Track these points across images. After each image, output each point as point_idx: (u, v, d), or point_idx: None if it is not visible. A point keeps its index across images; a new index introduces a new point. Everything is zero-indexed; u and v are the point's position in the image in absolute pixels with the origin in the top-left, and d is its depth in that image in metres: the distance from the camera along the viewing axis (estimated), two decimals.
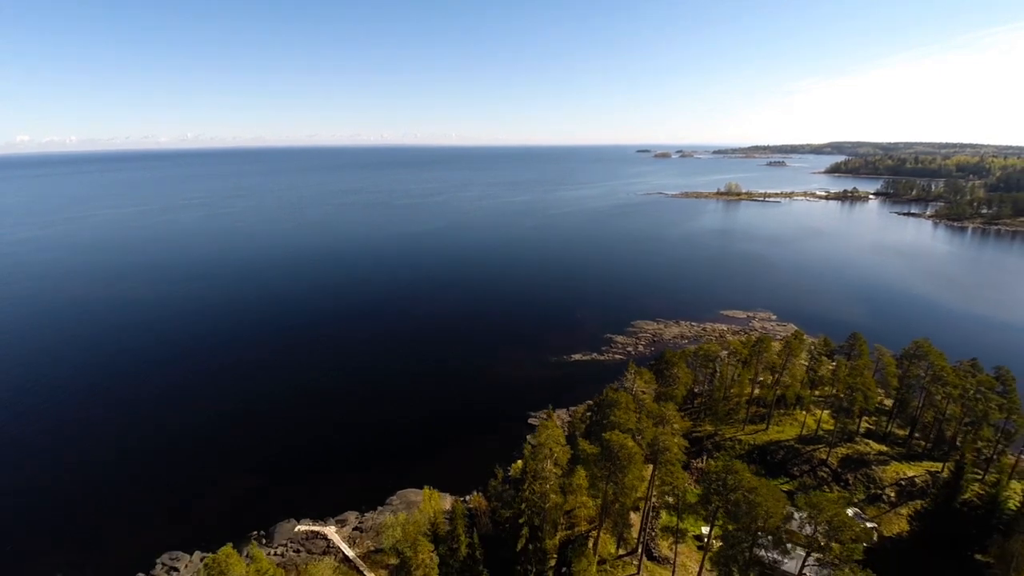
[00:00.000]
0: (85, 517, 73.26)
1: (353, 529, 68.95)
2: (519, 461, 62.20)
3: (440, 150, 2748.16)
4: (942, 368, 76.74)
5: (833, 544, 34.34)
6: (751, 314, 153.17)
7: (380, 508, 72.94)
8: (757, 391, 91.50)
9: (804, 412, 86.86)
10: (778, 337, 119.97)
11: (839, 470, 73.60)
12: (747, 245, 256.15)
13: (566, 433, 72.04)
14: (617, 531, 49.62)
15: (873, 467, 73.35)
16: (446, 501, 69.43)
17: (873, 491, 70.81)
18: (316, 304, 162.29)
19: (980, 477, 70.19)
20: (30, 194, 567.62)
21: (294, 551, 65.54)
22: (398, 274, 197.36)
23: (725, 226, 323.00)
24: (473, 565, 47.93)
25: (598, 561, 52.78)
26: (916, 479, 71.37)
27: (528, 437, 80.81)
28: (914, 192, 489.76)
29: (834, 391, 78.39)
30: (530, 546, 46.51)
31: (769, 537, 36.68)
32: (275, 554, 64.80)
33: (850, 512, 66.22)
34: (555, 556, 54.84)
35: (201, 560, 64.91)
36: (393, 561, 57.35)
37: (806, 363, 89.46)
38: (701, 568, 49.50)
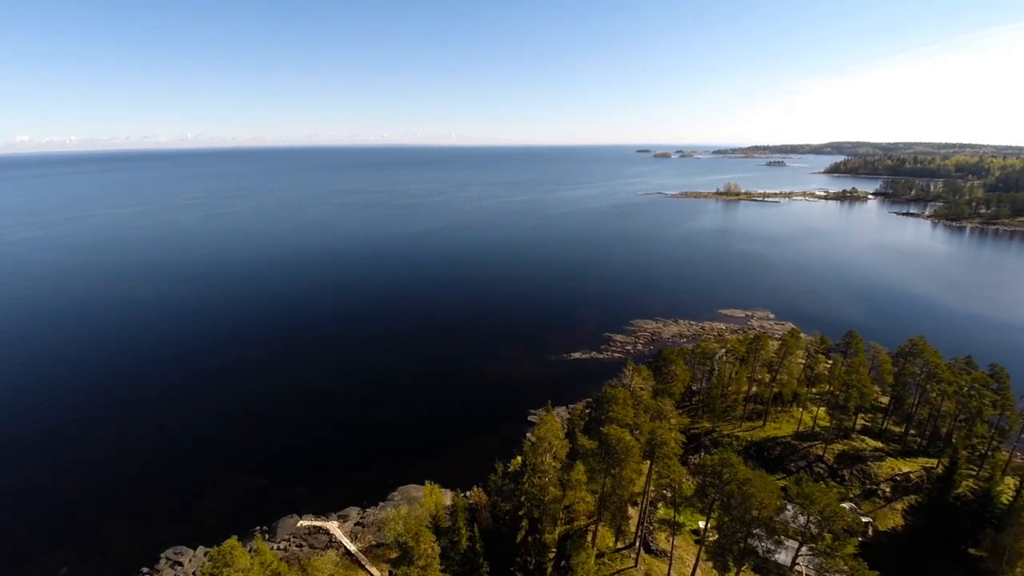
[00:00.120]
0: (86, 517, 73.65)
1: (355, 524, 69.83)
2: (519, 457, 63.02)
3: (440, 150, 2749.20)
4: (937, 365, 77.66)
5: (825, 534, 35.23)
6: (749, 313, 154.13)
7: (381, 504, 73.82)
8: (754, 389, 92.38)
9: (801, 409, 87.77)
10: (776, 336, 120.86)
11: (835, 466, 74.52)
12: (746, 245, 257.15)
13: (565, 430, 72.85)
14: (615, 523, 50.48)
15: (869, 463, 74.27)
16: (447, 496, 70.29)
17: (868, 486, 71.74)
18: (316, 304, 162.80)
19: (975, 473, 71.12)
20: (30, 194, 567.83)
21: (296, 545, 66.41)
22: (398, 274, 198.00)
23: (724, 226, 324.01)
24: (474, 557, 48.77)
25: (597, 554, 53.62)
26: (911, 475, 72.29)
27: (528, 434, 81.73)
28: (913, 192, 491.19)
29: (830, 388, 79.23)
30: (529, 538, 47.38)
31: (763, 528, 37.49)
32: (278, 548, 65.65)
33: (846, 507, 67.12)
34: (554, 550, 55.69)
35: (205, 555, 65.74)
36: (395, 555, 58.15)
37: (803, 361, 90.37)
38: (697, 560, 50.39)
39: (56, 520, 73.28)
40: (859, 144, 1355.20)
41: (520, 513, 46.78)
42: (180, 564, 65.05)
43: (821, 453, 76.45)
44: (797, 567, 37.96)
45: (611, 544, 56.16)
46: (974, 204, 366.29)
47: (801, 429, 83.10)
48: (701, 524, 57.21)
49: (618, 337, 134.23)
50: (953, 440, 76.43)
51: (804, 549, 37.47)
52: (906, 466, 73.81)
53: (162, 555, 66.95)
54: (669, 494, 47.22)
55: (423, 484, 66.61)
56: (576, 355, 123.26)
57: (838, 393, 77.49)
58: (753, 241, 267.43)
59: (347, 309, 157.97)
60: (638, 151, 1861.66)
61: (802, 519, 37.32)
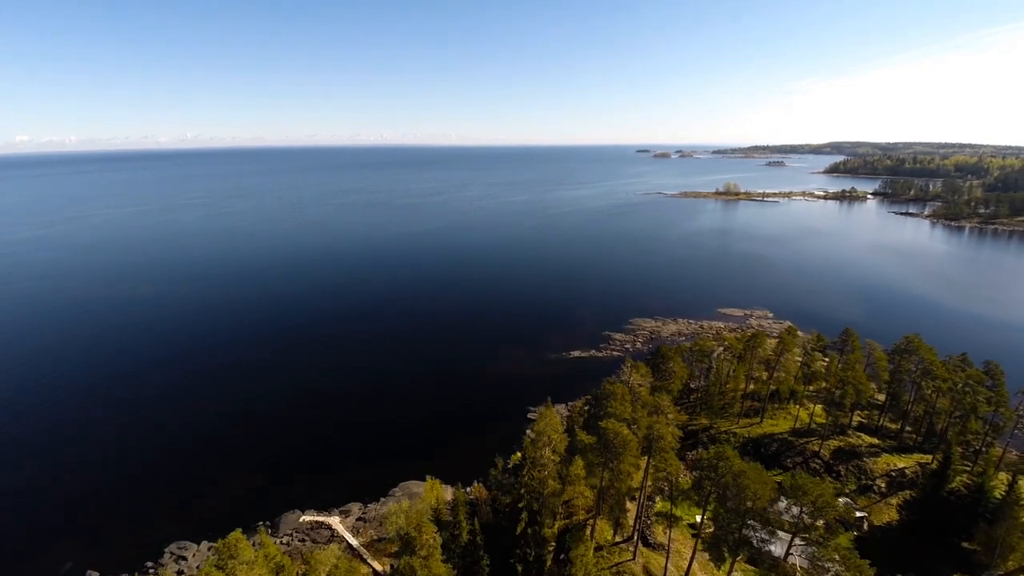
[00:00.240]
0: (88, 514, 74.12)
1: (357, 519, 70.63)
2: (519, 453, 63.85)
3: (440, 150, 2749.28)
4: (932, 363, 78.52)
5: (818, 524, 36.03)
6: (748, 312, 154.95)
7: (383, 499, 74.58)
8: (752, 386, 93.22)
9: (797, 406, 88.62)
10: (773, 334, 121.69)
11: (831, 462, 75.39)
12: (745, 244, 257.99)
13: (565, 427, 73.67)
14: (613, 516, 51.27)
15: (864, 459, 75.14)
16: (447, 492, 71.05)
17: (864, 482, 72.60)
18: (316, 304, 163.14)
19: (969, 469, 71.98)
20: (30, 194, 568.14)
21: (299, 540, 67.22)
22: (398, 274, 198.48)
23: (723, 226, 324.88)
24: (474, 550, 49.57)
25: (595, 547, 54.42)
26: (906, 470, 73.16)
27: (528, 430, 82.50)
28: (912, 192, 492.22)
29: (827, 386, 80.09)
30: (529, 530, 48.19)
31: (757, 518, 38.31)
32: (280, 543, 66.43)
33: (841, 502, 68.00)
34: (553, 543, 56.51)
35: (208, 549, 66.55)
36: (396, 549, 58.95)
37: (800, 359, 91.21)
38: (694, 553, 51.23)
39: (59, 518, 73.84)
40: (859, 144, 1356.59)
41: (520, 505, 47.59)
42: (184, 558, 65.85)
43: (817, 449, 77.32)
44: (791, 557, 38.72)
45: (609, 537, 56.98)
46: (973, 204, 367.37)
47: (798, 426, 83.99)
48: (698, 518, 58.06)
49: (617, 336, 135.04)
50: (947, 436, 77.26)
51: (797, 540, 38.25)
52: (901, 462, 74.67)
53: (166, 550, 67.76)
54: (666, 487, 47.98)
55: (424, 480, 67.46)
56: (576, 353, 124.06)
57: (834, 390, 78.33)
58: (752, 241, 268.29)
59: (347, 309, 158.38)
60: (638, 151, 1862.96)
61: (795, 510, 38.13)
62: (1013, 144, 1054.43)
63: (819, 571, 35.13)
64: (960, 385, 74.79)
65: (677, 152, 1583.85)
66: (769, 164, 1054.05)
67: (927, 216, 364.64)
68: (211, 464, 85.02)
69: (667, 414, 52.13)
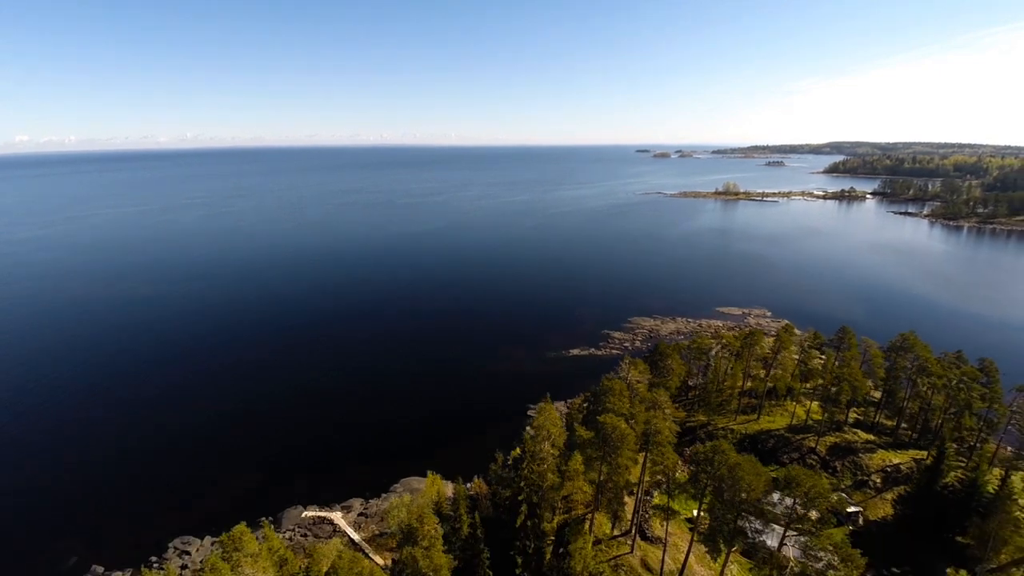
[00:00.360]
0: (90, 513, 74.54)
1: (358, 515, 71.46)
2: (518, 448, 64.65)
3: (440, 150, 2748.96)
4: (927, 360, 79.39)
5: (810, 514, 36.86)
6: (746, 311, 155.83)
7: (384, 495, 75.44)
8: (749, 384, 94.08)
9: (794, 403, 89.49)
10: (771, 333, 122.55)
11: (827, 458, 76.26)
12: (744, 244, 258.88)
13: (564, 424, 74.47)
14: (611, 509, 52.09)
15: (860, 455, 76.02)
16: (448, 488, 71.82)
17: (860, 477, 73.47)
18: (316, 304, 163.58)
19: (963, 465, 72.75)
20: (30, 194, 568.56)
21: (301, 535, 68.05)
22: (398, 274, 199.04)
23: (723, 225, 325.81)
24: (474, 543, 50.37)
25: (594, 541, 55.28)
26: (901, 466, 74.01)
27: (528, 427, 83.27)
28: (911, 192, 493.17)
29: (823, 383, 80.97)
30: (528, 523, 49.01)
31: (751, 508, 39.15)
32: (283, 538, 67.16)
33: (836, 497, 68.86)
34: (553, 538, 57.35)
35: (212, 544, 67.31)
36: (399, 541, 59.76)
37: (797, 356, 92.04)
38: (690, 545, 52.10)
39: (61, 515, 74.31)
40: (858, 144, 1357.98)
41: (520, 498, 48.42)
42: (187, 553, 66.64)
43: (814, 445, 78.20)
44: (784, 548, 39.47)
45: (608, 531, 57.84)
46: (971, 203, 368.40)
47: (794, 422, 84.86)
48: (695, 512, 58.90)
49: (616, 334, 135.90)
50: (941, 432, 78.11)
51: (790, 531, 39.07)
52: (896, 458, 75.53)
53: (169, 544, 68.54)
54: (663, 481, 48.85)
55: (424, 476, 68.17)
56: (575, 352, 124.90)
57: (830, 387, 79.20)
58: (751, 240, 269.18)
59: (347, 309, 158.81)
60: (637, 151, 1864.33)
61: (788, 502, 38.93)
62: (1012, 144, 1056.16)
63: (811, 561, 36.03)
64: (955, 382, 75.67)
65: (677, 152, 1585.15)
66: (768, 164, 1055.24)
67: (926, 216, 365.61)
68: (213, 462, 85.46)
69: (664, 409, 52.96)
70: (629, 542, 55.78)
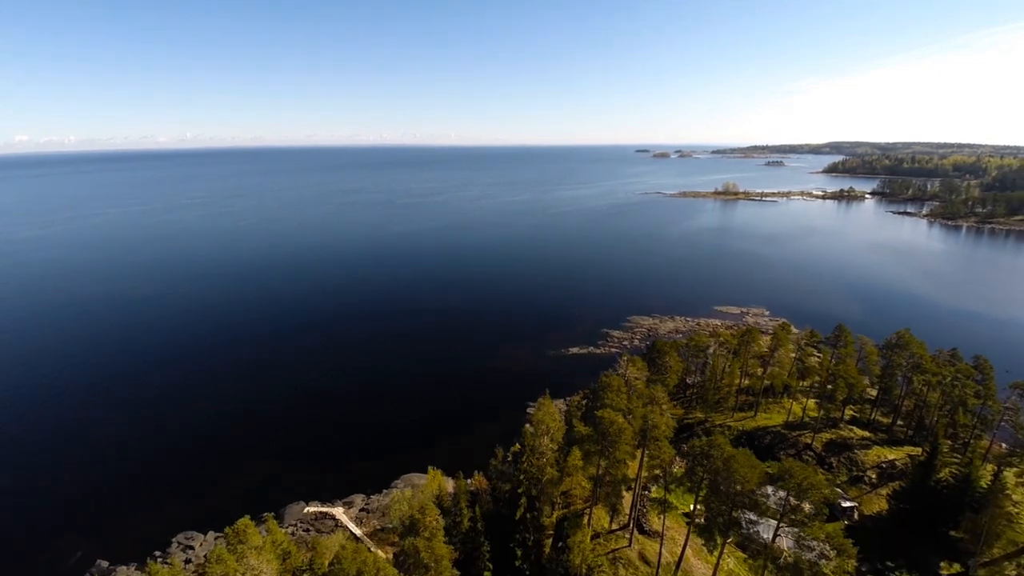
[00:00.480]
0: (91, 512, 74.96)
1: (360, 510, 72.34)
2: (518, 444, 65.56)
3: (440, 150, 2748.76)
4: (921, 357, 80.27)
5: (803, 505, 37.73)
6: (745, 310, 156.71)
7: (385, 491, 76.26)
8: (746, 381, 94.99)
9: (791, 400, 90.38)
10: (769, 331, 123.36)
11: (823, 454, 77.14)
12: (743, 244, 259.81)
13: (563, 420, 75.28)
14: (610, 503, 52.96)
15: (856, 451, 76.89)
16: (449, 484, 72.66)
17: (855, 473, 74.35)
18: (316, 304, 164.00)
19: (958, 460, 73.64)
20: (30, 194, 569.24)
21: (304, 530, 68.94)
22: (398, 274, 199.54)
23: (722, 225, 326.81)
24: (475, 536, 51.25)
25: (592, 535, 56.15)
26: (896, 462, 74.88)
27: (527, 425, 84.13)
28: (910, 191, 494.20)
29: (820, 380, 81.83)
30: (528, 515, 49.88)
31: (746, 499, 40.02)
32: (286, 532, 67.92)
33: (828, 490, 69.70)
34: (552, 532, 58.24)
35: (216, 539, 68.16)
36: (401, 533, 60.62)
37: (794, 354, 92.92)
38: (687, 538, 52.99)
39: (65, 513, 74.84)
40: (858, 144, 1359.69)
41: (519, 491, 49.29)
42: (191, 548, 67.50)
43: (810, 442, 79.07)
44: (778, 539, 40.29)
45: (606, 525, 58.70)
46: (970, 203, 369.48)
47: (791, 419, 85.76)
48: (692, 507, 59.76)
49: (615, 333, 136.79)
50: (935, 427, 78.97)
51: (784, 523, 39.90)
52: (892, 454, 76.42)
53: (173, 540, 69.39)
54: (660, 474, 49.71)
55: (425, 472, 69.03)
56: (574, 350, 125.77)
57: (826, 384, 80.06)
58: (750, 240, 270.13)
59: (347, 309, 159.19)
60: (637, 151, 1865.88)
61: (782, 495, 39.81)
62: (1012, 144, 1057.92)
63: (804, 551, 36.86)
64: (949, 379, 76.57)
65: (676, 152, 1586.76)
66: (768, 164, 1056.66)
67: (924, 215, 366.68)
68: (214, 461, 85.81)
69: (661, 404, 53.86)
70: (627, 536, 56.64)
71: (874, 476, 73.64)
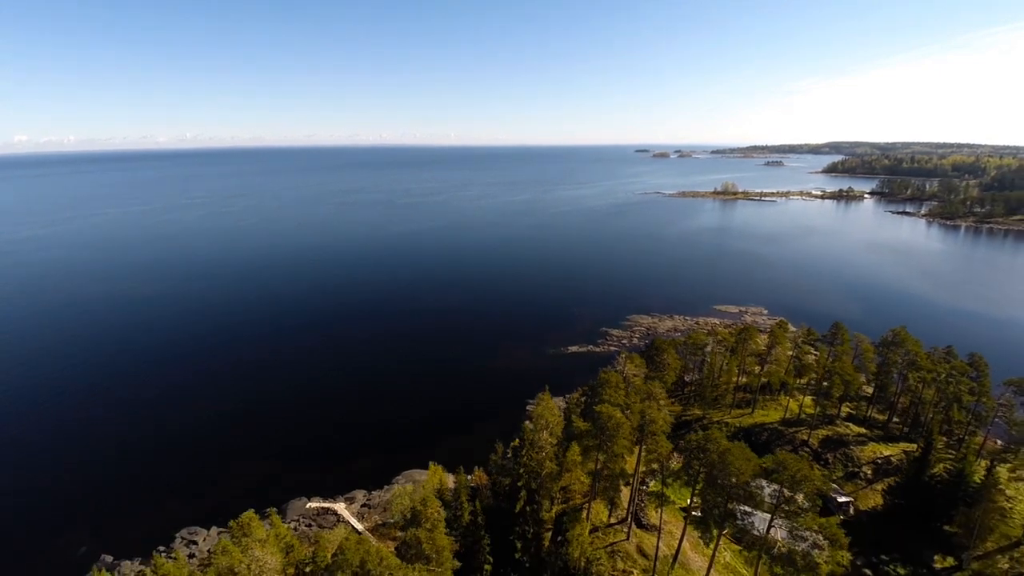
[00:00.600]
0: (94, 509, 75.50)
1: (362, 505, 73.13)
2: (517, 440, 66.35)
3: (439, 150, 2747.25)
4: (917, 354, 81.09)
5: (796, 496, 38.54)
6: (743, 309, 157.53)
7: (387, 487, 77.06)
8: (744, 379, 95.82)
9: (788, 398, 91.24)
10: (766, 330, 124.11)
11: (819, 450, 77.98)
12: (742, 243, 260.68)
13: (562, 416, 76.06)
14: (608, 496, 53.76)
15: (852, 447, 77.73)
16: (450, 480, 73.47)
17: (851, 469, 75.19)
18: (316, 304, 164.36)
19: (953, 456, 74.46)
20: (30, 194, 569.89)
21: (306, 525, 69.72)
22: (398, 274, 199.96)
23: (721, 225, 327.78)
24: (475, 529, 52.04)
25: (591, 528, 56.98)
26: (892, 458, 75.72)
27: (526, 422, 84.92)
28: (909, 191, 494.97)
29: (816, 377, 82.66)
30: (528, 508, 50.68)
31: (741, 491, 40.85)
32: (288, 527, 68.71)
33: (820, 481, 70.48)
34: (551, 527, 59.04)
35: (219, 534, 68.89)
36: (400, 534, 61.42)
37: (791, 352, 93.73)
38: (684, 531, 53.81)
39: (68, 511, 75.30)
40: (857, 144, 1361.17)
41: (519, 484, 50.09)
42: (195, 543, 68.26)
43: (806, 438, 79.89)
44: (772, 530, 41.05)
45: (605, 519, 59.54)
46: (969, 203, 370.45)
47: (788, 416, 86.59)
48: (689, 502, 60.58)
49: (615, 332, 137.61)
50: (929, 423, 79.82)
51: (778, 514, 40.70)
52: (887, 450, 77.25)
53: (176, 535, 70.17)
54: (658, 467, 50.54)
55: (426, 468, 69.79)
56: (573, 349, 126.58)
57: (823, 381, 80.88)
58: (749, 240, 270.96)
59: (347, 308, 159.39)
60: (637, 151, 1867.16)
61: (776, 487, 40.60)
62: (1011, 144, 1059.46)
63: (797, 541, 37.64)
64: (943, 376, 77.41)
65: (676, 152, 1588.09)
66: (767, 164, 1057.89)
67: (923, 215, 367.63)
68: (215, 460, 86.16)
69: (659, 400, 54.68)
70: (625, 529, 57.47)
71: (869, 472, 74.48)
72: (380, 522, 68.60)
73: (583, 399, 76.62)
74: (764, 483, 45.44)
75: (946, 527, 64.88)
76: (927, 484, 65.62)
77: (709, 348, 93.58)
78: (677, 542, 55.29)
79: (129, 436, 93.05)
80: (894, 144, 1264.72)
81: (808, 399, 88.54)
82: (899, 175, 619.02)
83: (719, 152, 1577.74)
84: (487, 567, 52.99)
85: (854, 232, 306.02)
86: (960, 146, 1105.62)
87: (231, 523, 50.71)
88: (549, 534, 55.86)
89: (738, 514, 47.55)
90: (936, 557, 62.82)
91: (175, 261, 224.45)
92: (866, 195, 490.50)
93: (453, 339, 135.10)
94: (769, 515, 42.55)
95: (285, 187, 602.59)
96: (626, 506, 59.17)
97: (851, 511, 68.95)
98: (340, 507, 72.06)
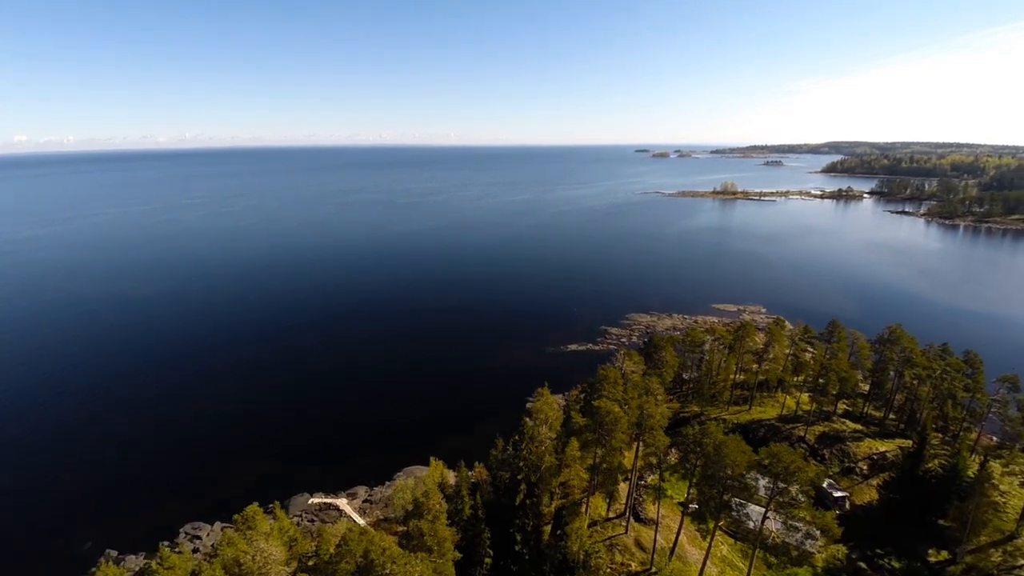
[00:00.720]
0: (94, 510, 75.67)
1: (363, 501, 73.97)
2: (517, 435, 67.20)
3: (439, 150, 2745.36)
4: (912, 351, 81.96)
5: (790, 487, 39.38)
6: (742, 308, 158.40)
7: (388, 483, 77.87)
8: (741, 376, 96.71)
9: (785, 395, 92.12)
10: (764, 328, 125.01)
11: (816, 446, 78.86)
12: (741, 243, 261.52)
13: (561, 412, 76.86)
14: (607, 489, 54.60)
15: (848, 443, 78.64)
16: (450, 476, 74.26)
17: (847, 464, 76.10)
18: (317, 304, 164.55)
19: (947, 452, 75.32)
20: (30, 194, 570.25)
21: (308, 521, 70.53)
22: (398, 274, 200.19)
23: (721, 224, 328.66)
24: (476, 523, 52.87)
25: (590, 522, 57.80)
26: (887, 454, 76.61)
27: (526, 419, 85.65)
28: (908, 191, 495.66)
29: (812, 374, 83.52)
30: (527, 501, 51.51)
31: (735, 482, 41.70)
32: (291, 522, 69.49)
33: (824, 483, 71.48)
34: (551, 521, 59.89)
35: (222, 529, 69.69)
36: (402, 528, 62.25)
37: (788, 350, 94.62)
38: (681, 525, 54.67)
39: (71, 509, 75.70)
40: (857, 144, 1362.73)
41: (519, 477, 50.93)
42: (198, 537, 69.06)
43: (803, 434, 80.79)
44: (768, 521, 41.84)
45: (603, 513, 60.41)
46: (967, 203, 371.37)
47: (785, 413, 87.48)
48: (686, 496, 61.40)
49: (614, 330, 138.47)
50: (923, 418, 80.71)
51: (772, 506, 41.56)
52: (883, 446, 78.14)
53: (180, 530, 70.95)
54: (655, 461, 51.38)
55: (427, 465, 70.55)
56: (573, 347, 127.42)
57: (819, 378, 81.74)
58: (748, 239, 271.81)
59: (347, 309, 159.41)
60: (636, 151, 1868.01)
61: (770, 477, 41.44)
62: (1010, 144, 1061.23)
63: (791, 531, 38.43)
64: (938, 372, 78.27)
65: (676, 152, 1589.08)
66: (767, 164, 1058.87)
67: (922, 215, 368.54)
68: (215, 460, 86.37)
69: (656, 395, 55.50)
70: (623, 523, 58.32)
71: (865, 467, 75.37)
72: (382, 517, 69.43)
73: (582, 396, 77.42)
74: (759, 477, 46.30)
75: (940, 521, 65.72)
76: (921, 479, 66.51)
77: (707, 346, 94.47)
78: (674, 535, 56.16)
79: (129, 436, 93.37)
80: (893, 144, 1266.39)
81: (805, 396, 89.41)
82: (898, 175, 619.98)
83: (719, 152, 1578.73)
84: (487, 560, 53.82)
85: (853, 232, 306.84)
86: (959, 146, 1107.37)
87: (235, 517, 51.54)
88: (548, 528, 56.71)
89: (733, 505, 48.39)
90: (930, 551, 63.68)
91: (175, 261, 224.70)
92: (865, 195, 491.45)
93: (453, 339, 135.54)
94: (764, 509, 43.39)
95: (285, 187, 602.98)
96: (624, 500, 60.01)
97: (847, 506, 69.81)
98: (342, 503, 72.90)
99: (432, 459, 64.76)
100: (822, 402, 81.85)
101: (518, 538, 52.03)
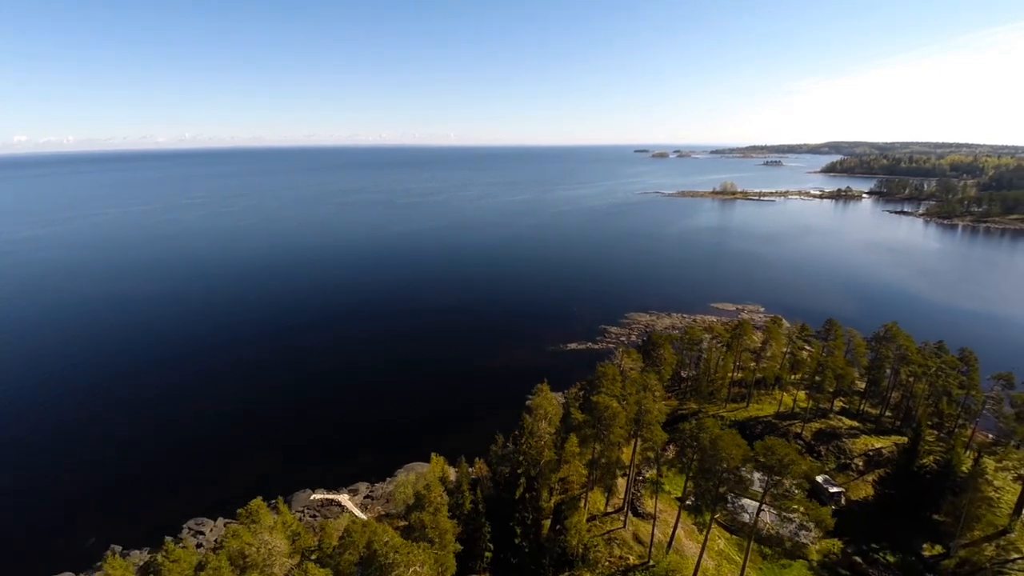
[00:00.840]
0: (89, 515, 75.58)
1: (365, 497, 74.78)
2: (517, 431, 68.00)
3: (439, 150, 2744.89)
4: (908, 349, 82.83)
5: (784, 480, 40.18)
6: (740, 307, 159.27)
7: (389, 479, 78.65)
8: (739, 374, 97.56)
9: (782, 392, 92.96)
10: (762, 327, 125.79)
11: (812, 442, 79.72)
12: (740, 243, 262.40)
13: (561, 411, 77.66)
14: (605, 484, 55.40)
15: (844, 440, 79.48)
16: (451, 473, 75.04)
17: (843, 461, 76.95)
18: (317, 304, 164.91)
19: (942, 449, 76.17)
20: (30, 194, 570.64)
21: (310, 516, 71.33)
22: (398, 273, 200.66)
23: (720, 224, 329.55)
24: (476, 517, 53.67)
25: (588, 517, 58.60)
26: (883, 450, 77.47)
27: (526, 415, 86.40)
28: (907, 191, 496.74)
29: (809, 372, 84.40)
30: (527, 495, 52.30)
31: (731, 475, 42.54)
32: (294, 517, 70.23)
33: (820, 479, 72.32)
34: (551, 516, 60.68)
35: (226, 524, 70.47)
36: (404, 524, 63.01)
37: (786, 348, 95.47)
38: (678, 519, 55.48)
39: (73, 508, 76.14)
40: (856, 144, 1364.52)
41: (519, 471, 51.73)
42: (202, 533, 69.84)
43: (800, 431, 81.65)
44: (763, 513, 42.64)
45: (602, 508, 61.22)
46: (966, 203, 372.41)
47: (782, 410, 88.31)
48: (683, 491, 62.19)
49: (613, 329, 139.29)
50: (919, 415, 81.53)
51: (766, 500, 42.35)
52: (879, 442, 79.00)
53: (184, 525, 71.74)
54: (653, 456, 52.18)
55: (428, 462, 71.30)
56: (572, 346, 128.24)
57: (816, 376, 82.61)
58: (748, 239, 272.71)
59: (347, 309, 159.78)
60: (636, 151, 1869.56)
61: (765, 471, 42.22)
62: (1009, 144, 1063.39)
63: (785, 523, 39.21)
64: (933, 369, 79.14)
65: (675, 152, 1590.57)
66: (767, 164, 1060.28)
67: (921, 215, 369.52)
68: (215, 460, 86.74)
69: (654, 392, 56.32)
70: (622, 518, 59.13)
71: (861, 463, 76.22)
72: (383, 512, 70.23)
73: (581, 393, 78.32)
74: (755, 472, 47.11)
75: (935, 516, 66.60)
76: (916, 475, 67.30)
77: (705, 344, 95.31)
78: (672, 529, 56.98)
79: (129, 436, 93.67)
80: (893, 144, 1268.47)
81: (802, 393, 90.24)
82: (897, 175, 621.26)
83: (718, 152, 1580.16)
84: (488, 553, 54.64)
85: (852, 231, 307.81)
86: (958, 146, 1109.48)
87: (239, 511, 52.28)
88: (548, 522, 57.50)
89: (729, 499, 49.20)
90: (925, 545, 64.50)
91: (175, 261, 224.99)
92: (864, 195, 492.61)
93: (453, 338, 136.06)
94: (758, 503, 44.19)
95: (285, 187, 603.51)
96: (623, 495, 60.81)
97: (843, 501, 70.62)
98: (344, 498, 73.69)
99: (433, 455, 65.55)
100: (819, 399, 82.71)
101: (518, 532, 52.83)
